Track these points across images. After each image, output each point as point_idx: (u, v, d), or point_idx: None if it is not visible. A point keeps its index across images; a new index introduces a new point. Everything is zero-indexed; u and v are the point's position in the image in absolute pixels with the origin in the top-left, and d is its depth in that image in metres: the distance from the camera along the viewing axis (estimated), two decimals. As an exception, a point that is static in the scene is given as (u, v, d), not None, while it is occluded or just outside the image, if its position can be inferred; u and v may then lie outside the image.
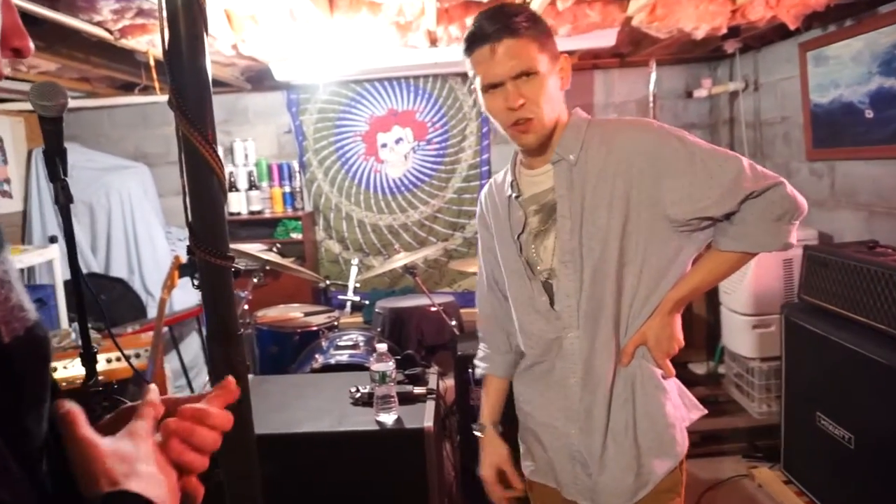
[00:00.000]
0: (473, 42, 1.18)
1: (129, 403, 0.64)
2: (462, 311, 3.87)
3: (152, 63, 2.49)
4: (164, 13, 0.96)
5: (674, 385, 1.31)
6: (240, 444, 1.08)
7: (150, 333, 2.78)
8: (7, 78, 2.94)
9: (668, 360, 1.26)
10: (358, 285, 3.84)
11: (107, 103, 3.81)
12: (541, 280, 1.28)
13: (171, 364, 3.54)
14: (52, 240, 3.45)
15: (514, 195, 1.31)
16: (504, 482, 1.41)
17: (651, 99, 3.55)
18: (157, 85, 2.71)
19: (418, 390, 1.80)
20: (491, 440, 1.45)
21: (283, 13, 2.32)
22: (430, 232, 4.29)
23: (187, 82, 0.99)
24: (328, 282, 4.07)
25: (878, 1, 2.53)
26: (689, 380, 3.71)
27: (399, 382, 1.83)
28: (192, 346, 3.79)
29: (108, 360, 2.81)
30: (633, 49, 3.78)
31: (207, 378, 3.71)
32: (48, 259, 3.29)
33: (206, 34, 0.99)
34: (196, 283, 1.03)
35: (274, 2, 2.22)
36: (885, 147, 2.63)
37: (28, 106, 3.71)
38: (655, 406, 1.25)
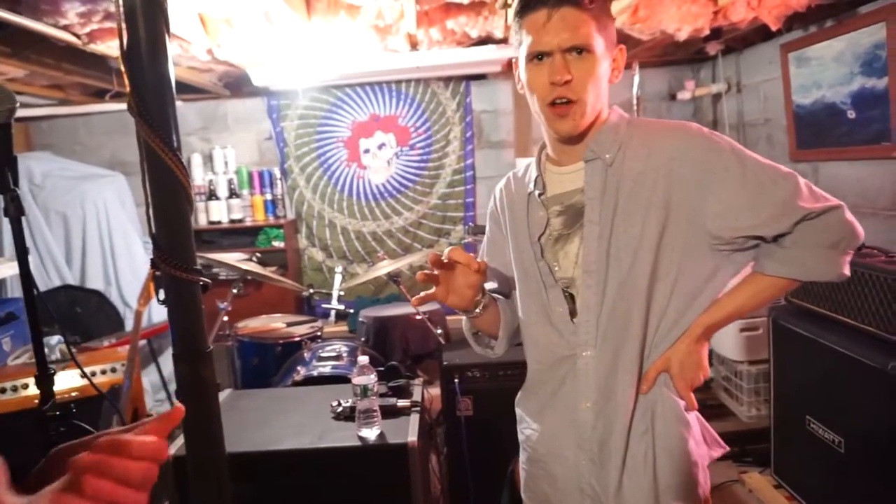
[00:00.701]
0: (529, 3, 1.07)
1: (73, 442, 0.58)
2: (449, 318, 3.83)
3: (123, 68, 2.41)
4: (122, 11, 0.90)
5: (695, 419, 1.17)
6: (210, 467, 1.03)
7: (127, 347, 2.70)
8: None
9: (692, 391, 1.12)
10: (342, 293, 3.78)
11: (81, 111, 3.72)
12: (560, 288, 1.16)
13: (149, 377, 3.46)
14: (25, 252, 3.35)
15: (536, 192, 1.19)
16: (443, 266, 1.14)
17: (635, 101, 3.54)
18: (129, 88, 2.63)
19: (402, 403, 1.74)
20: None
21: (259, 16, 2.27)
22: (415, 238, 4.24)
23: (148, 86, 0.93)
24: (311, 290, 4.00)
25: (858, 1, 2.53)
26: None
27: (382, 395, 1.78)
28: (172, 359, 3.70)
29: (83, 376, 2.72)
30: (615, 52, 3.77)
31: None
32: (17, 272, 3.18)
33: (168, 35, 0.94)
34: (160, 298, 0.97)
35: (249, 5, 2.17)
36: (869, 147, 2.63)
37: None
38: (677, 441, 1.11)
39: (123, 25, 0.92)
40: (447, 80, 4.00)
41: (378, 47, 2.67)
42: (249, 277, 2.70)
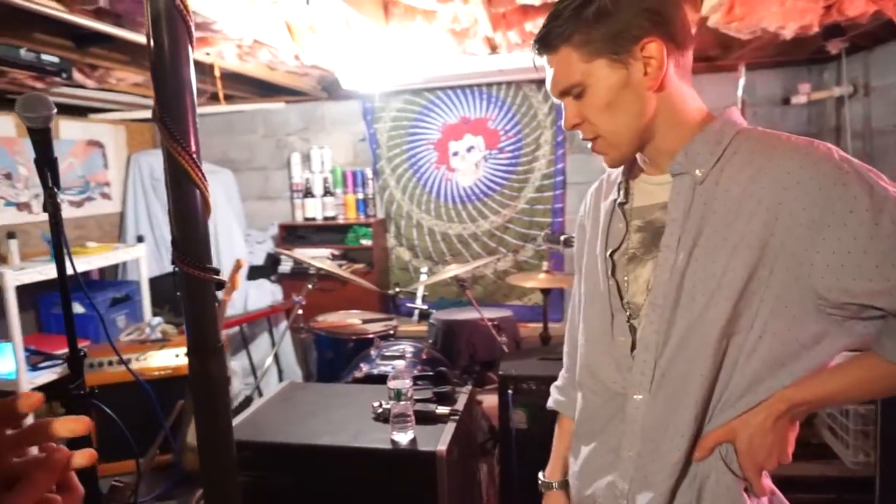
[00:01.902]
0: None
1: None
2: (527, 325, 3.76)
3: (217, 74, 2.61)
4: (149, 22, 0.96)
5: None
6: (218, 456, 1.07)
7: (215, 332, 2.90)
8: (105, 90, 3.20)
9: (761, 474, 0.93)
10: (427, 294, 3.83)
11: (198, 112, 4.04)
12: (627, 315, 1.02)
13: (240, 362, 3.70)
14: (140, 239, 3.71)
15: (620, 201, 1.06)
16: None
17: (738, 106, 3.27)
18: (221, 94, 2.84)
19: (441, 410, 1.73)
20: (558, 500, 1.21)
21: (340, 23, 2.34)
22: (501, 242, 4.20)
23: (170, 93, 0.98)
24: (397, 289, 4.10)
25: None
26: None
27: (423, 400, 1.77)
28: (262, 346, 3.93)
29: (177, 356, 2.97)
30: (721, 52, 3.51)
31: (277, 378, 3.83)
32: (135, 257, 3.53)
33: (191, 46, 0.99)
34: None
35: (330, 12, 2.25)
36: None
37: (128, 115, 4.03)
38: None
39: (151, 38, 0.97)
40: (539, 82, 3.92)
41: (456, 51, 2.67)
42: (323, 273, 2.80)
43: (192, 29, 0.99)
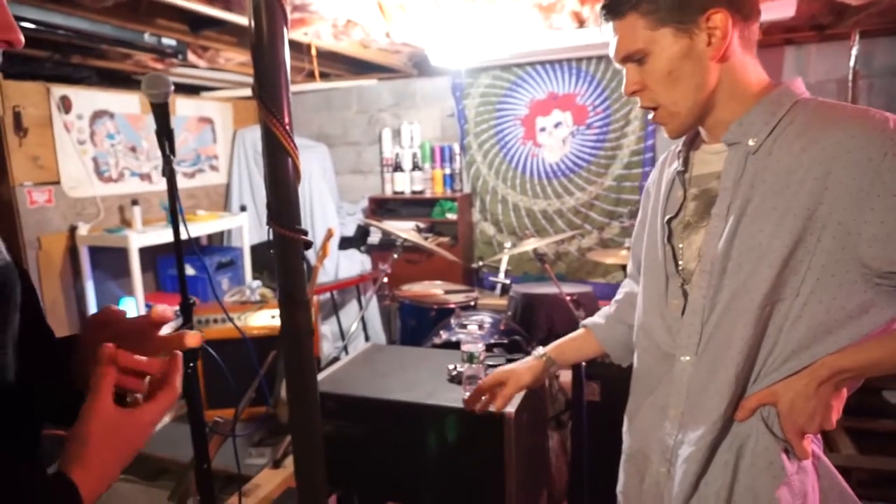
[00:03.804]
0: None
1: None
2: (607, 302, 3.72)
3: (314, 52, 2.76)
4: (251, 10, 1.07)
5: (807, 469, 0.97)
6: (302, 399, 1.19)
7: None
8: (214, 69, 3.46)
9: (805, 439, 0.93)
10: (510, 268, 3.89)
11: (295, 89, 4.28)
12: (680, 279, 1.05)
13: (330, 327, 3.93)
14: (243, 209, 4.01)
15: (679, 169, 1.08)
16: (492, 394, 1.34)
17: (850, 78, 3.05)
18: (316, 71, 2.99)
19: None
20: (528, 362, 1.36)
21: (428, 1, 2.41)
22: (586, 219, 4.17)
23: (267, 73, 1.09)
24: (481, 263, 4.18)
25: None
26: (879, 409, 3.17)
27: (496, 366, 1.84)
28: (352, 312, 4.15)
29: (272, 317, 3.21)
30: (834, 20, 3.26)
31: (364, 341, 4.05)
32: (239, 225, 3.83)
33: (286, 28, 1.09)
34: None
35: (419, -9, 2.32)
36: None
37: (236, 93, 4.33)
38: (761, 486, 0.95)
39: (252, 23, 1.08)
40: (631, 56, 3.82)
41: (542, 26, 2.67)
42: (409, 245, 2.92)
43: (287, 12, 1.09)
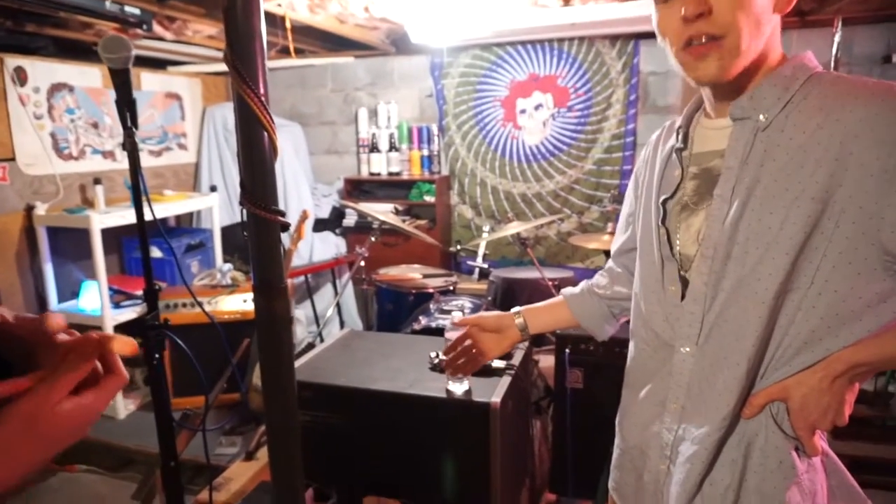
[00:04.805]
0: None
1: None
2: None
3: (288, 25, 2.63)
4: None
5: (817, 467, 0.93)
6: (279, 390, 1.11)
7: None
8: (181, 42, 3.30)
9: (815, 435, 0.89)
10: (487, 253, 3.83)
11: (270, 66, 4.12)
12: (676, 263, 0.98)
13: (305, 311, 3.83)
14: (213, 189, 3.86)
15: (678, 146, 1.00)
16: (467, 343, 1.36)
17: (832, 65, 3.03)
18: (291, 46, 2.87)
19: (497, 364, 1.74)
20: (503, 314, 1.37)
21: (409, -27, 2.30)
22: (566, 203, 4.12)
23: (241, 40, 1.00)
24: (459, 247, 4.12)
25: None
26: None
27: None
28: (326, 297, 4.05)
29: (244, 301, 3.10)
30: (816, 5, 3.24)
31: (340, 327, 3.96)
32: (209, 206, 3.69)
33: (262, -9, 0.99)
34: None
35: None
36: None
37: (205, 67, 4.15)
38: (770, 487, 0.90)
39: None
40: (614, 38, 3.76)
41: (527, 2, 2.58)
42: (386, 227, 2.84)
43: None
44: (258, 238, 1.06)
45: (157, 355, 1.19)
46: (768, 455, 0.91)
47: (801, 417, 0.87)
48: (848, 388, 0.87)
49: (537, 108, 4.05)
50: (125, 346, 0.58)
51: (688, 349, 0.95)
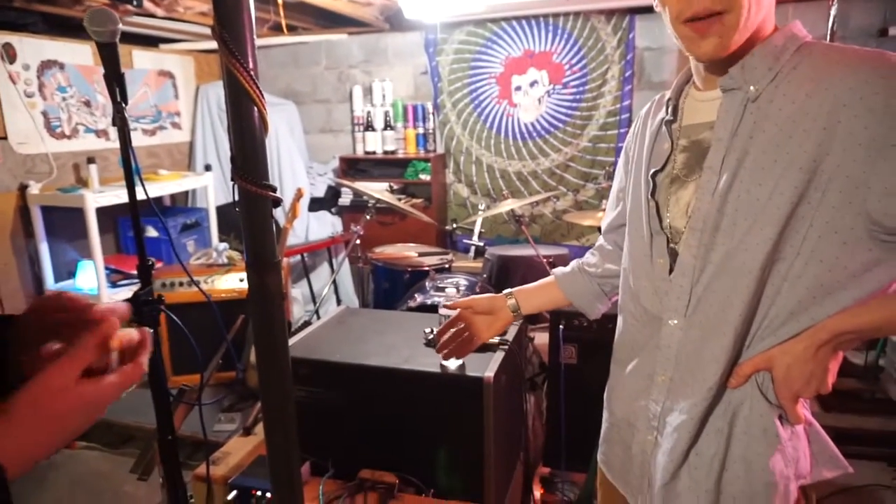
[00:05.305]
0: None
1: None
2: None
3: (280, 1, 2.60)
4: (208, -61, 0.96)
5: (801, 433, 0.95)
6: (273, 367, 1.13)
7: (277, 259, 3.01)
8: (172, 19, 3.26)
9: (798, 404, 0.89)
10: (483, 231, 3.83)
11: (260, 43, 4.08)
12: (665, 237, 0.98)
13: (301, 290, 3.85)
14: (208, 168, 3.84)
15: (667, 119, 1.00)
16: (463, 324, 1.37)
17: (828, 38, 3.01)
18: (283, 23, 2.83)
19: (492, 339, 1.75)
20: (495, 296, 1.39)
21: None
22: (561, 181, 4.12)
23: (229, 10, 0.99)
24: (455, 225, 4.12)
25: None
26: (842, 370, 3.25)
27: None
28: (322, 275, 4.07)
29: (241, 280, 3.11)
30: (814, -22, 3.22)
31: (336, 305, 3.98)
32: (204, 185, 3.67)
33: (249, -40, 0.98)
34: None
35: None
36: None
37: (197, 45, 4.10)
38: (756, 454, 0.92)
39: (210, -49, 0.97)
40: (609, 13, 3.73)
41: (521, -24, 2.55)
42: (379, 206, 2.84)
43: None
44: (250, 213, 1.06)
45: (151, 330, 1.20)
46: (753, 423, 0.92)
47: (785, 386, 0.88)
48: (832, 356, 0.87)
49: (532, 84, 4.02)
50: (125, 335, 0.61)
51: (675, 322, 0.95)
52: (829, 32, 3.04)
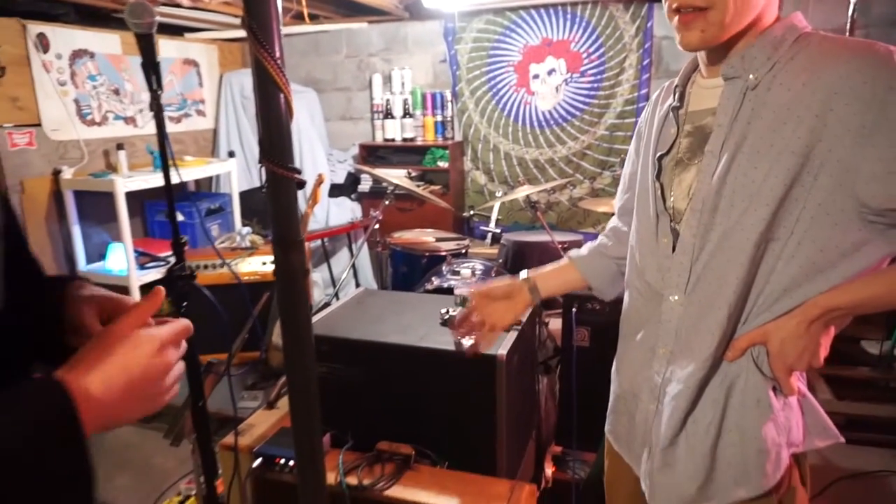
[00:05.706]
0: None
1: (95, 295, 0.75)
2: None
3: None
4: (239, -64, 1.02)
5: (794, 403, 1.00)
6: (296, 339, 1.20)
7: (298, 243, 3.10)
8: (197, 9, 3.34)
9: (791, 376, 0.94)
10: (500, 217, 3.88)
11: (285, 32, 4.15)
12: (669, 217, 1.03)
13: (321, 274, 3.93)
14: (231, 154, 3.94)
15: (674, 105, 1.05)
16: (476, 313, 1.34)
17: (848, 28, 3.00)
18: (305, 12, 2.90)
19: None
20: (512, 282, 1.35)
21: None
22: (578, 169, 4.15)
23: (258, 4, 1.05)
24: (473, 212, 4.17)
25: None
26: (858, 359, 3.26)
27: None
28: (342, 260, 4.15)
29: (263, 263, 3.20)
30: (835, -34, 3.19)
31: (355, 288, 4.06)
32: (227, 171, 3.77)
33: (277, -45, 1.04)
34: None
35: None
36: None
37: (221, 34, 4.19)
38: (750, 423, 0.98)
39: (240, -53, 1.03)
40: (628, 1, 3.73)
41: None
42: (400, 192, 2.90)
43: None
44: (276, 195, 1.13)
45: (184, 304, 1.28)
46: (748, 394, 0.98)
47: (779, 360, 0.93)
48: (823, 331, 0.92)
49: (550, 73, 4.04)
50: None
51: (676, 297, 1.01)
52: (849, 21, 3.02)
